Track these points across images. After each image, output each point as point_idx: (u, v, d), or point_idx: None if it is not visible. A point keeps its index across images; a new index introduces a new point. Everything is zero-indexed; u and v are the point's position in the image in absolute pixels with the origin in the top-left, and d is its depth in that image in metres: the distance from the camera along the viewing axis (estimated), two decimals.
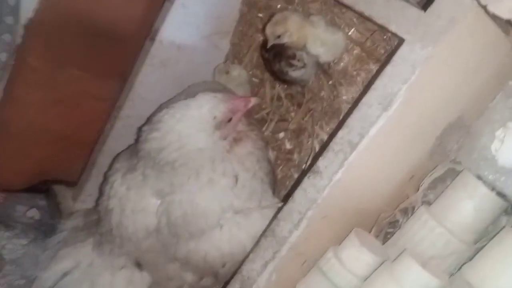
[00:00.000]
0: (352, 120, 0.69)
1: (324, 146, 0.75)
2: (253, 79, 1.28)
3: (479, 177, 0.77)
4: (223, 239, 0.96)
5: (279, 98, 1.22)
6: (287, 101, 1.19)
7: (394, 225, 0.88)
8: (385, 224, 0.87)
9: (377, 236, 0.86)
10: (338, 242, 0.83)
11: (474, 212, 0.74)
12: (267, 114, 1.24)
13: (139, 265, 1.14)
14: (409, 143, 0.76)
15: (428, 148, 0.80)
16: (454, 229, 0.75)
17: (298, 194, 0.75)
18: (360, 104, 0.68)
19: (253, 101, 0.96)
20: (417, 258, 0.70)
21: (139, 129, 1.03)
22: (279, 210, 0.77)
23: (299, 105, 1.16)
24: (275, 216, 0.78)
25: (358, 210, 0.81)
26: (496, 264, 0.66)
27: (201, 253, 0.98)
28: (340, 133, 0.70)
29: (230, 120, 0.94)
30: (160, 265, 1.08)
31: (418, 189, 0.86)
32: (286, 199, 0.80)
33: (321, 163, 0.72)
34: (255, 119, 1.21)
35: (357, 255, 0.78)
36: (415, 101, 0.69)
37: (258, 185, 0.99)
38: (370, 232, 0.86)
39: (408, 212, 0.86)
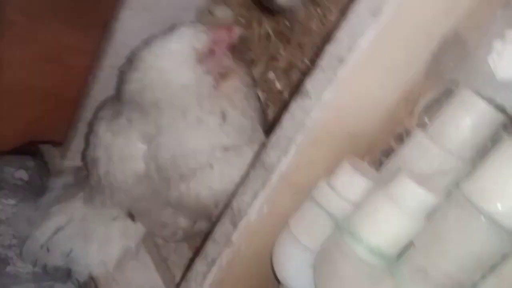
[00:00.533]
0: (341, 33, 0.64)
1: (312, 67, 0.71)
2: (239, 18, 1.22)
3: (477, 93, 0.73)
4: (215, 178, 0.93)
5: (267, 36, 1.17)
6: (276, 38, 1.14)
7: (388, 153, 0.85)
8: (379, 152, 0.84)
9: (371, 165, 0.83)
10: (331, 172, 0.81)
11: (471, 127, 0.70)
12: (256, 54, 1.19)
13: (131, 215, 1.12)
14: (403, 58, 0.71)
15: (423, 66, 0.76)
16: (451, 146, 0.71)
17: (285, 119, 0.71)
18: (348, 14, 0.63)
19: (237, 30, 0.91)
20: (413, 178, 0.67)
21: (119, 71, 0.99)
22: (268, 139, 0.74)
23: (289, 41, 1.11)
24: (263, 145, 0.74)
25: (350, 136, 0.78)
26: (495, 176, 0.62)
27: (193, 194, 0.96)
28: (328, 49, 0.66)
29: (214, 53, 0.90)
30: (153, 213, 1.06)
31: (413, 113, 0.82)
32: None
33: (308, 83, 0.68)
34: (243, 59, 1.16)
35: (350, 181, 0.75)
36: (408, 9, 0.64)
37: (247, 122, 0.95)
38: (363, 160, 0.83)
39: (403, 138, 0.83)
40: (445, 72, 0.83)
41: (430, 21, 0.71)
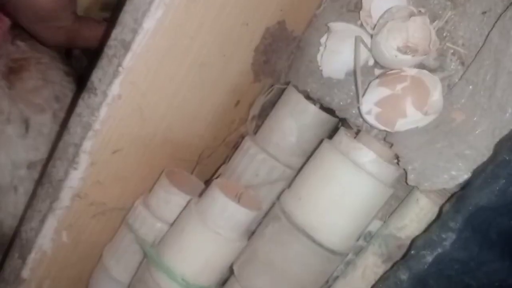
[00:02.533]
0: (124, 14, 0.53)
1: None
2: None
3: (306, 93, 0.65)
4: (20, 203, 0.76)
5: None
6: None
7: (224, 161, 0.74)
8: (211, 161, 0.73)
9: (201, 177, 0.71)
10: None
11: (297, 131, 0.61)
12: None
13: None
14: (218, 51, 0.61)
15: (246, 61, 0.66)
16: (278, 152, 0.62)
17: (73, 121, 0.57)
18: None
19: (7, 21, 0.75)
20: (226, 191, 0.56)
21: None
22: (55, 147, 0.59)
23: None
24: (50, 156, 0.60)
25: (168, 143, 0.66)
26: (311, 186, 0.53)
27: None
28: (114, 32, 0.54)
29: None
30: None
31: (247, 116, 0.73)
32: None
33: (94, 75, 0.55)
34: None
35: (166, 198, 0.62)
36: None
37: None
38: (192, 173, 0.71)
39: (236, 144, 0.73)
40: (279, 72, 0.75)
41: (245, 8, 0.61)
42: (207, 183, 0.65)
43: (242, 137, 0.73)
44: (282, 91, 0.70)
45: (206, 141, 0.71)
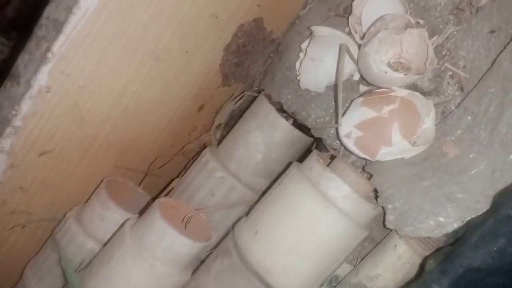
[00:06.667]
0: None
1: None
2: None
3: (279, 105, 0.56)
4: None
5: None
6: None
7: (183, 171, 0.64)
8: (165, 170, 0.63)
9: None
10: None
11: (264, 148, 0.52)
12: None
13: None
14: (172, 40, 0.50)
15: (214, 61, 0.57)
16: (240, 171, 0.53)
17: None
18: None
19: None
20: (168, 219, 0.47)
21: None
22: None
23: None
24: None
25: (112, 147, 0.56)
26: (271, 218, 0.44)
27: None
28: (47, 9, 0.44)
29: None
30: None
31: (211, 124, 0.64)
32: None
33: (20, 59, 0.45)
34: None
35: (103, 213, 0.53)
36: None
37: None
38: (140, 185, 0.61)
39: (196, 153, 0.63)
40: (253, 78, 0.66)
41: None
42: (156, 198, 0.56)
43: (204, 147, 0.63)
44: (253, 99, 0.61)
45: (159, 148, 0.61)
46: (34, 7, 0.88)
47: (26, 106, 0.44)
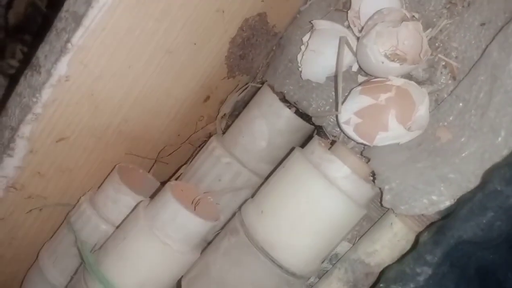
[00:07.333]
0: None
1: None
2: None
3: (282, 95, 0.59)
4: None
5: None
6: None
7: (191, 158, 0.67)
8: (174, 158, 0.66)
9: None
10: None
11: (269, 135, 0.55)
12: None
13: None
14: (181, 33, 0.53)
15: (220, 53, 0.60)
16: (245, 157, 0.56)
17: (11, 102, 0.50)
18: None
19: None
20: (180, 197, 0.50)
21: None
22: None
23: None
24: None
25: (125, 137, 0.59)
26: (275, 198, 0.47)
27: None
28: (67, 3, 0.47)
29: None
30: None
31: (217, 114, 0.67)
32: None
33: (41, 50, 0.48)
34: None
35: (115, 197, 0.56)
36: None
37: None
38: (149, 172, 0.64)
39: (204, 142, 0.66)
40: (257, 69, 0.69)
41: None
42: (165, 184, 0.59)
43: (210, 135, 0.66)
44: (257, 90, 0.64)
45: (168, 137, 0.64)
46: (36, 9, 0.90)
47: (46, 94, 0.47)
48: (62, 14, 0.46)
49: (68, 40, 0.45)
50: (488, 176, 0.38)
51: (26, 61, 0.50)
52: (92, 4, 0.44)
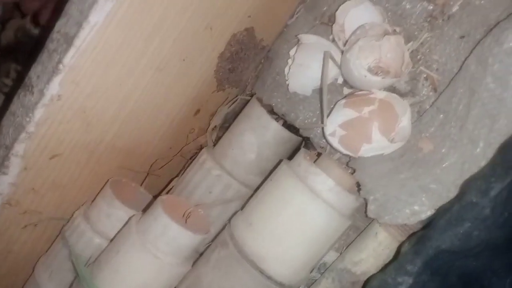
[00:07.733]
0: (71, 4, 0.47)
1: None
2: None
3: (270, 108, 0.61)
4: None
5: None
6: None
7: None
8: (167, 171, 0.68)
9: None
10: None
11: (257, 148, 0.57)
12: None
13: None
14: (171, 51, 0.55)
15: (209, 68, 0.61)
16: (235, 169, 0.57)
17: (6, 121, 0.51)
18: None
19: None
20: (171, 211, 0.51)
21: None
22: None
23: None
24: None
25: (117, 152, 0.60)
26: (263, 211, 0.48)
27: None
28: (58, 24, 0.48)
29: None
30: None
31: (207, 126, 0.68)
32: None
33: (33, 71, 0.50)
34: None
35: (109, 211, 0.57)
36: None
37: None
38: (142, 185, 0.66)
39: (195, 155, 0.68)
40: (246, 82, 0.70)
41: (210, 11, 0.55)
42: (157, 197, 0.60)
43: (201, 148, 0.68)
44: (246, 102, 0.66)
45: (159, 150, 0.66)
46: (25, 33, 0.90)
47: (39, 113, 0.48)
48: (54, 35, 0.48)
49: (59, 61, 0.47)
50: (465, 188, 0.40)
51: (20, 79, 0.52)
52: (83, 25, 0.45)
